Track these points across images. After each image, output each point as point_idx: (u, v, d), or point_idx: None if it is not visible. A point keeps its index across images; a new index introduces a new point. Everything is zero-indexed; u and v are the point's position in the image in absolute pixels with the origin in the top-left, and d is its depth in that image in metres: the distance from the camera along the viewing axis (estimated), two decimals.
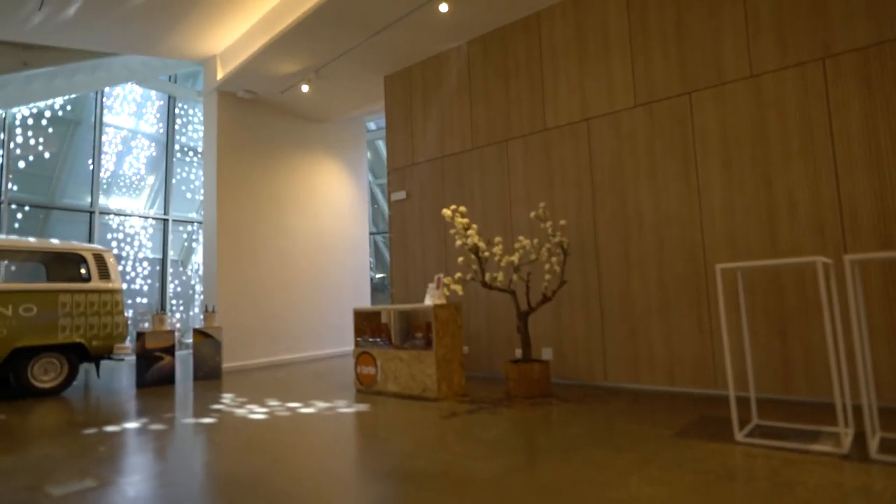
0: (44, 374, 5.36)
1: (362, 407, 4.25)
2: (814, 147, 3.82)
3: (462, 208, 4.65)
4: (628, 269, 4.62)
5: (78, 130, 8.93)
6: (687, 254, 4.33)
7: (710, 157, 4.25)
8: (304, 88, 7.03)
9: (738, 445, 2.79)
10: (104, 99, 9.16)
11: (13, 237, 5.48)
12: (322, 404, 4.42)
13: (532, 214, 4.78)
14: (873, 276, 3.56)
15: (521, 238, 4.66)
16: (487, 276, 4.55)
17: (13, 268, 7.43)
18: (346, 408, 4.24)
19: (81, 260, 5.73)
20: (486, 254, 4.56)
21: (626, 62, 4.74)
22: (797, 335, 3.81)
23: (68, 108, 8.82)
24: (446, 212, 4.56)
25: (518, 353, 5.22)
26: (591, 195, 4.89)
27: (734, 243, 4.11)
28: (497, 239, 4.69)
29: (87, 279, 5.72)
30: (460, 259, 4.64)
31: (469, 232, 4.52)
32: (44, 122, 8.54)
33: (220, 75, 7.13)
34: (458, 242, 4.57)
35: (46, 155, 8.56)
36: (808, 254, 3.79)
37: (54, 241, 5.66)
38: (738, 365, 3.98)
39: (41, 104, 8.44)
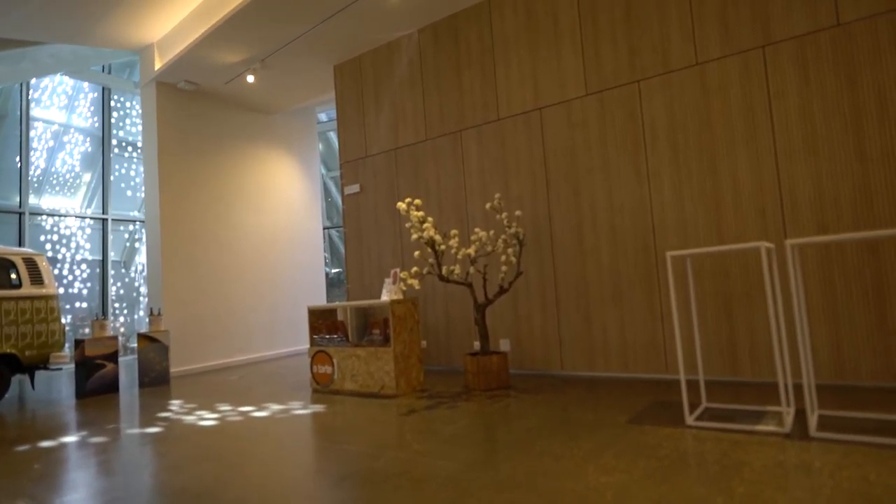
0: None
1: (319, 407, 4.14)
2: (756, 134, 3.94)
3: (417, 201, 4.58)
4: (582, 257, 4.68)
5: (3, 125, 8.30)
6: (638, 241, 4.41)
7: (659, 146, 4.34)
8: (250, 79, 6.76)
9: (689, 429, 2.86)
10: (31, 91, 8.54)
11: None
12: (276, 406, 4.29)
13: (488, 206, 4.76)
14: (810, 259, 3.72)
15: (477, 230, 4.63)
16: (444, 270, 4.50)
17: None
18: (302, 409, 4.12)
19: (10, 265, 5.34)
20: (443, 247, 4.51)
21: (577, 50, 4.76)
22: (742, 318, 3.95)
23: None
24: (401, 205, 4.48)
25: (476, 345, 5.22)
26: (545, 185, 4.91)
27: (683, 230, 4.21)
28: (453, 231, 4.65)
29: (18, 285, 5.33)
30: (416, 253, 4.57)
31: (425, 225, 4.46)
32: None
33: (158, 65, 6.76)
34: (414, 236, 4.50)
35: None
36: (752, 239, 3.93)
37: None
38: (687, 349, 4.10)
39: None
